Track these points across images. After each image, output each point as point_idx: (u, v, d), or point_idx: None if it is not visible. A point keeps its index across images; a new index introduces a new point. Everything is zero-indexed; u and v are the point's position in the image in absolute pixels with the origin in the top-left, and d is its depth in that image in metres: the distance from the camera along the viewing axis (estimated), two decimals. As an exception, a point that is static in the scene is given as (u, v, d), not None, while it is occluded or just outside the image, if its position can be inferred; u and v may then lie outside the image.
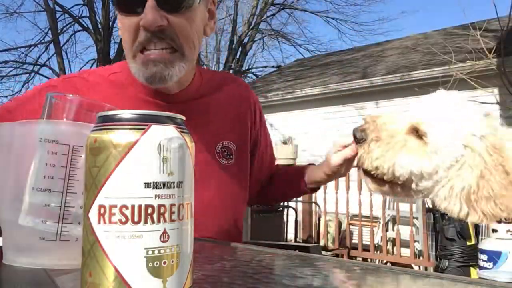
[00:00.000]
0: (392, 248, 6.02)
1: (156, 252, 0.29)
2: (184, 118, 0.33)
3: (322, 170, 0.98)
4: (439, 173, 0.75)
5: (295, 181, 1.06)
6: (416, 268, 4.73)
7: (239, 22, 14.26)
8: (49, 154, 0.42)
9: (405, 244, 5.12)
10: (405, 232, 5.10)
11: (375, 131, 0.80)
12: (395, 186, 0.80)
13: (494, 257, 2.71)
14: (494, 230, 2.82)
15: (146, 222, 0.29)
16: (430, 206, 4.39)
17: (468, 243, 3.76)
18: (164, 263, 0.29)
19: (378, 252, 5.24)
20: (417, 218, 5.65)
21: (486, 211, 0.71)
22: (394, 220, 5.78)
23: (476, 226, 4.42)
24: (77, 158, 0.43)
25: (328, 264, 0.53)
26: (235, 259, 0.56)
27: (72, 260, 0.44)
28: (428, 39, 9.05)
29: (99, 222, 0.29)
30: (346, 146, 0.87)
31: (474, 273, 3.58)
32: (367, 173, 0.82)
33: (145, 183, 0.29)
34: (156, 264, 0.29)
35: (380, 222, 5.76)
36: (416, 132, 0.78)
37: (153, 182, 0.29)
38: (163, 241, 0.29)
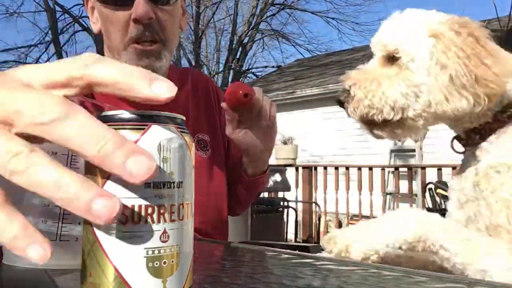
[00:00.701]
0: (392, 248, 6.02)
1: (156, 252, 0.29)
2: (184, 118, 0.33)
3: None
4: (424, 78, 0.72)
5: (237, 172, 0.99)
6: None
7: (239, 22, 14.27)
8: (48, 154, 0.42)
9: (405, 244, 5.12)
10: (405, 232, 5.09)
11: (350, 79, 0.77)
12: (396, 124, 0.76)
13: (494, 257, 2.71)
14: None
15: (146, 222, 0.29)
16: (430, 206, 4.39)
17: (468, 243, 3.76)
18: (164, 263, 0.29)
19: (378, 252, 5.22)
20: (417, 218, 5.65)
21: (486, 92, 0.66)
22: (394, 220, 5.78)
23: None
24: (77, 158, 0.43)
25: (328, 264, 0.53)
26: (235, 259, 0.56)
27: (72, 260, 0.44)
28: (428, 39, 9.05)
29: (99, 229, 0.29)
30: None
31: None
32: (366, 122, 0.77)
33: (145, 183, 0.29)
34: (156, 264, 0.29)
35: (380, 222, 5.76)
36: (388, 59, 0.75)
37: (153, 182, 0.29)
38: (163, 241, 0.29)
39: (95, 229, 0.29)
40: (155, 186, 0.29)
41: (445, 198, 3.90)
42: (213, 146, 0.99)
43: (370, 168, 5.00)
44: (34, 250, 0.27)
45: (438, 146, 6.82)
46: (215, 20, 14.53)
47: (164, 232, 0.29)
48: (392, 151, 7.05)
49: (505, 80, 0.68)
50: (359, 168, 5.08)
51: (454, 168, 4.46)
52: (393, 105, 0.73)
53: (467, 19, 0.74)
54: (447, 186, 4.30)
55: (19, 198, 0.43)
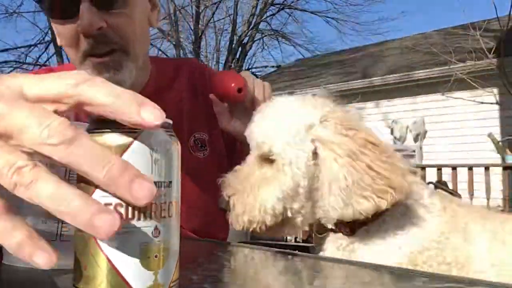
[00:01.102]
0: (392, 248, 6.02)
1: (148, 246, 0.31)
2: (171, 122, 0.34)
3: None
4: (301, 183, 0.68)
5: None
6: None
7: (239, 22, 14.27)
8: (47, 165, 0.42)
9: (405, 244, 5.12)
10: (405, 232, 5.10)
11: (229, 188, 0.71)
12: (281, 225, 0.72)
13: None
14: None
15: (139, 219, 0.31)
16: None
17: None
18: (156, 256, 0.31)
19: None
20: (417, 218, 5.65)
21: (363, 208, 0.64)
22: (394, 220, 5.78)
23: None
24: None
25: (328, 264, 0.53)
26: (235, 259, 0.56)
27: (72, 260, 0.45)
28: (428, 39, 9.06)
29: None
30: None
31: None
32: (254, 230, 0.72)
33: None
34: (148, 257, 0.31)
35: (380, 222, 5.76)
36: (266, 160, 0.70)
37: None
38: (154, 236, 0.31)
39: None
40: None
41: (445, 198, 3.90)
42: (212, 144, 0.94)
43: (370, 168, 4.99)
44: (40, 256, 0.28)
45: (438, 146, 6.83)
46: (215, 20, 14.54)
47: (156, 228, 0.31)
48: (392, 151, 7.05)
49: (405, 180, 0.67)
50: (359, 168, 5.07)
51: (454, 168, 4.47)
52: (273, 212, 0.69)
53: (347, 116, 0.70)
54: (447, 186, 4.32)
55: (19, 198, 0.43)
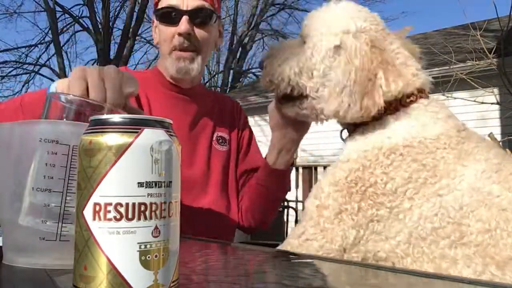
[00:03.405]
0: (392, 248, 6.01)
1: (148, 246, 0.31)
2: (171, 122, 0.35)
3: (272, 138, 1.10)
4: (316, 66, 0.78)
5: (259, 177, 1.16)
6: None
7: (239, 22, 14.28)
8: (49, 154, 0.42)
9: (405, 244, 5.11)
10: (405, 232, 5.08)
11: (268, 52, 0.86)
12: (299, 100, 0.83)
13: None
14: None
15: (139, 218, 0.31)
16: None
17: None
18: (156, 256, 0.32)
19: (378, 252, 5.22)
20: (417, 218, 5.64)
21: (364, 105, 0.72)
22: (394, 220, 5.76)
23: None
24: (77, 158, 0.43)
25: (328, 264, 0.53)
26: (235, 259, 0.56)
27: (72, 260, 0.45)
28: (428, 39, 9.05)
29: (94, 219, 0.31)
30: None
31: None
32: (276, 97, 0.86)
33: (138, 183, 0.31)
34: (148, 257, 0.31)
35: (380, 222, 5.75)
36: (302, 39, 0.82)
37: (146, 182, 0.31)
38: (154, 236, 0.32)
39: (90, 225, 0.31)
40: (147, 185, 0.32)
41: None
42: (230, 143, 1.20)
43: (370, 168, 4.99)
44: None
45: (438, 146, 6.81)
46: (215, 20, 14.47)
47: (156, 228, 0.32)
48: (392, 151, 7.04)
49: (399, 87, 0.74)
50: (359, 168, 5.06)
51: (454, 168, 4.45)
52: (287, 80, 0.81)
53: (380, 36, 0.79)
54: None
55: (20, 198, 0.43)
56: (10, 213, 0.43)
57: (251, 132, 1.32)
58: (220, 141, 1.19)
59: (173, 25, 1.08)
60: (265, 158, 1.14)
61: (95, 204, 0.31)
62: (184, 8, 1.08)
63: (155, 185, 0.32)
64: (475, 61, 5.79)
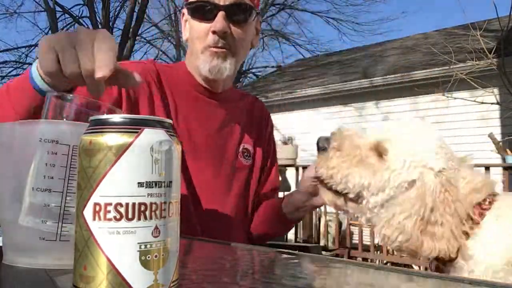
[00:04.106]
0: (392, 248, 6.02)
1: (148, 246, 0.31)
2: (171, 122, 0.35)
3: (298, 192, 1.07)
4: (386, 191, 0.76)
5: (276, 208, 1.13)
6: (416, 268, 4.73)
7: (239, 22, 14.22)
8: (49, 154, 0.42)
9: (405, 244, 5.11)
10: (405, 232, 5.08)
11: (338, 141, 0.82)
12: (348, 199, 0.81)
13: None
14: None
15: (139, 218, 0.31)
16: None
17: (468, 243, 3.76)
18: (156, 256, 0.32)
19: (378, 252, 5.24)
20: (417, 218, 5.64)
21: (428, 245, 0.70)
22: (394, 220, 5.77)
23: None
24: (77, 158, 0.43)
25: (328, 264, 0.53)
26: (235, 259, 0.56)
27: (72, 260, 0.45)
28: (428, 39, 9.05)
29: (94, 219, 0.31)
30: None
31: (474, 273, 3.58)
32: (323, 182, 0.82)
33: (138, 183, 0.31)
34: (148, 257, 0.31)
35: (380, 222, 5.75)
36: (378, 150, 0.79)
37: (146, 182, 0.31)
38: (154, 236, 0.32)
39: (90, 225, 0.31)
40: (147, 185, 0.32)
41: (445, 198, 3.89)
42: (254, 156, 1.15)
43: (370, 168, 4.99)
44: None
45: (438, 146, 6.82)
46: (215, 20, 14.47)
47: (156, 228, 0.32)
48: (392, 151, 7.05)
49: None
50: (359, 168, 5.06)
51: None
52: (351, 186, 0.78)
53: (455, 182, 0.76)
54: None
55: (20, 198, 0.43)
56: (10, 213, 0.43)
57: (274, 144, 1.26)
58: (245, 154, 1.13)
59: (207, 21, 0.98)
60: (281, 202, 1.10)
61: (95, 204, 0.31)
62: (221, 3, 0.96)
63: (155, 185, 0.32)
64: (475, 61, 5.79)
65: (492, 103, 5.75)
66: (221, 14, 0.96)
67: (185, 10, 1.06)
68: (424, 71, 6.87)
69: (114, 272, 0.31)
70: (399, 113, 7.17)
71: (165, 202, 0.32)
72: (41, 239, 0.42)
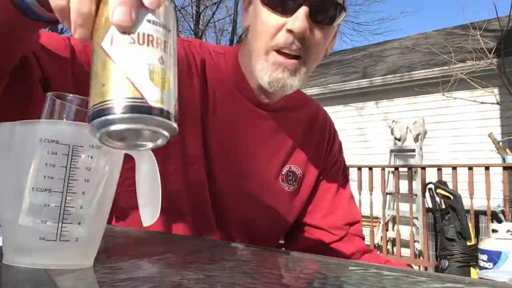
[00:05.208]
0: (392, 248, 6.02)
1: (156, 67, 0.36)
2: None
3: None
4: None
5: None
6: (416, 268, 4.73)
7: (239, 22, 14.24)
8: (49, 154, 0.42)
9: (405, 244, 5.12)
10: (405, 232, 5.09)
11: None
12: None
13: (494, 257, 2.70)
14: (494, 230, 2.81)
15: (148, 45, 0.37)
16: (430, 206, 4.39)
17: (468, 243, 3.76)
18: (162, 79, 0.37)
19: (378, 252, 5.24)
20: (417, 218, 5.65)
21: None
22: (394, 220, 5.77)
23: (476, 226, 4.42)
24: (77, 158, 0.43)
25: (328, 264, 0.53)
26: (235, 259, 0.56)
27: (72, 260, 0.44)
28: (428, 39, 9.05)
29: (111, 45, 0.37)
30: None
31: (474, 273, 3.58)
32: None
33: (147, 20, 0.37)
34: (156, 77, 0.36)
35: (380, 222, 5.75)
36: None
37: (153, 20, 0.38)
38: (160, 63, 0.37)
39: (107, 50, 0.36)
40: (154, 23, 0.38)
41: (445, 198, 3.89)
42: (302, 182, 0.93)
43: (370, 168, 5.00)
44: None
45: (438, 146, 6.83)
46: (215, 20, 14.54)
47: (161, 57, 0.37)
48: (392, 151, 7.05)
49: None
50: (359, 168, 5.07)
51: (454, 168, 4.47)
52: None
53: None
54: (447, 186, 4.28)
55: (20, 198, 0.43)
56: (10, 213, 0.43)
57: (344, 167, 1.01)
58: (290, 177, 0.90)
59: (284, 15, 0.75)
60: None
61: (112, 34, 0.37)
62: None
63: (160, 25, 0.38)
64: (475, 61, 5.79)
65: (492, 103, 5.75)
66: (303, 10, 0.74)
67: None
68: (424, 71, 6.87)
69: (129, 82, 0.35)
70: (399, 113, 7.17)
71: (166, 41, 0.38)
72: (41, 239, 0.42)
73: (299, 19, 0.74)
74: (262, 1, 0.77)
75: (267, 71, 0.78)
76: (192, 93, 0.83)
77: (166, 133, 0.37)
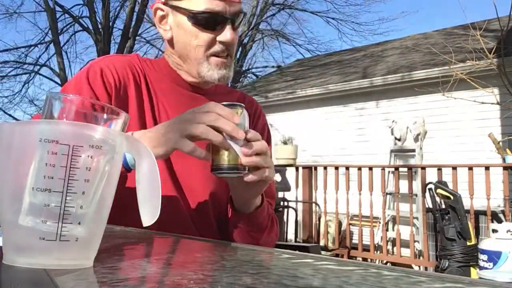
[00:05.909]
0: (392, 248, 6.02)
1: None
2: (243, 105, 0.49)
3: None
4: None
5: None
6: (416, 268, 4.73)
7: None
8: (49, 154, 0.42)
9: (405, 244, 5.12)
10: (405, 232, 5.09)
11: None
12: None
13: (494, 257, 2.71)
14: (494, 230, 2.81)
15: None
16: (431, 206, 4.39)
17: (468, 243, 3.76)
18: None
19: (378, 252, 5.24)
20: (417, 218, 5.65)
21: None
22: (394, 220, 5.77)
23: (476, 226, 4.42)
24: (77, 158, 0.43)
25: (328, 264, 0.53)
26: (235, 259, 0.56)
27: (72, 260, 0.45)
28: (428, 39, 9.05)
29: None
30: None
31: (474, 273, 3.58)
32: None
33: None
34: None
35: (380, 222, 5.75)
36: None
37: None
38: None
39: None
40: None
41: (445, 198, 3.89)
42: None
43: (370, 168, 5.00)
44: None
45: (438, 146, 6.83)
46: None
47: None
48: (392, 151, 7.05)
49: None
50: (359, 168, 5.07)
51: (454, 168, 4.47)
52: None
53: None
54: (447, 186, 4.27)
55: (20, 198, 0.43)
56: (10, 213, 0.43)
57: (269, 137, 1.19)
58: None
59: (213, 32, 1.00)
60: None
61: None
62: (227, 14, 0.99)
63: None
64: (475, 61, 5.79)
65: (492, 103, 5.75)
66: (229, 26, 1.00)
67: (161, 5, 1.02)
68: (424, 71, 6.87)
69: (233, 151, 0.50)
70: (399, 113, 7.17)
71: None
72: (41, 239, 0.42)
73: (227, 33, 1.00)
74: (192, 22, 1.00)
75: (213, 71, 1.03)
76: (142, 96, 1.04)
77: None
